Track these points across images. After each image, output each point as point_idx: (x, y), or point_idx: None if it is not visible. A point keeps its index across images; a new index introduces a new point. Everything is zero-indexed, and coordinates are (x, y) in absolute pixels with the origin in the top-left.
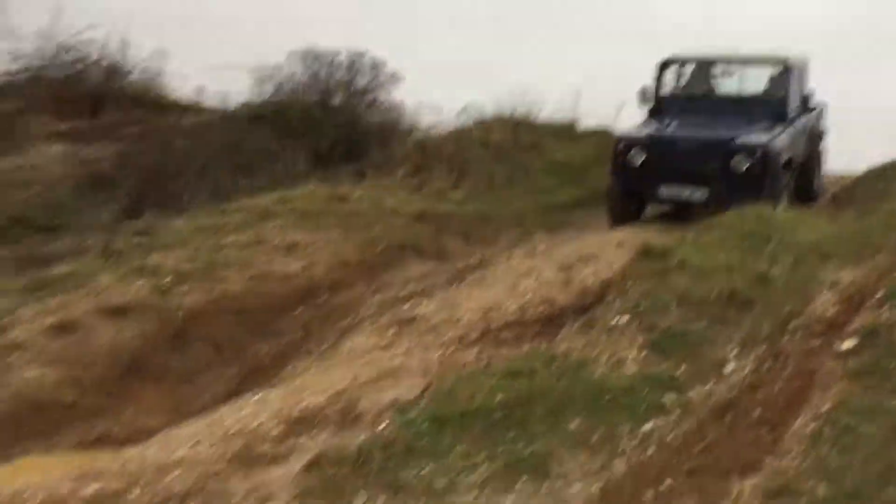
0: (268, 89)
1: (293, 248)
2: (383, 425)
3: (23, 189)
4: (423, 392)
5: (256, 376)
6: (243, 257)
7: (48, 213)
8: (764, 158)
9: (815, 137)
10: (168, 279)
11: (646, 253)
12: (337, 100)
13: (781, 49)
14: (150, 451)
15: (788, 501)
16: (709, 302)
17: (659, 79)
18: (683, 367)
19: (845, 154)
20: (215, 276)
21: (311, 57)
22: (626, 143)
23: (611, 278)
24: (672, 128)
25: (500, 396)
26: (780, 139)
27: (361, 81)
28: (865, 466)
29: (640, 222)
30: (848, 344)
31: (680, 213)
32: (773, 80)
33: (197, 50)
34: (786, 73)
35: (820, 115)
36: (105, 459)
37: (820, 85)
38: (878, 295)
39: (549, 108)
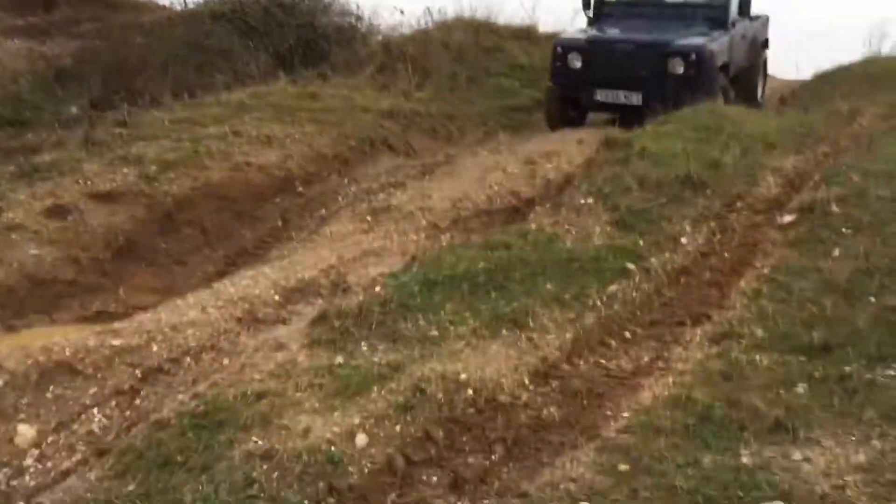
0: None
1: (270, 140)
2: (378, 287)
3: None
4: (411, 261)
5: (242, 259)
6: (223, 148)
7: (15, 108)
8: (699, 61)
9: (756, 45)
10: (153, 167)
11: (608, 144)
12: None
13: None
14: (162, 315)
15: (730, 342)
16: (666, 184)
17: None
18: (644, 239)
19: (795, 61)
20: (198, 164)
21: None
22: (564, 48)
23: (572, 172)
24: (610, 32)
25: (481, 264)
26: (717, 43)
27: None
28: (796, 314)
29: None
30: (788, 218)
31: (621, 121)
32: None
33: None
34: None
35: (763, 25)
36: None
37: None
38: (816, 178)
39: (509, 10)
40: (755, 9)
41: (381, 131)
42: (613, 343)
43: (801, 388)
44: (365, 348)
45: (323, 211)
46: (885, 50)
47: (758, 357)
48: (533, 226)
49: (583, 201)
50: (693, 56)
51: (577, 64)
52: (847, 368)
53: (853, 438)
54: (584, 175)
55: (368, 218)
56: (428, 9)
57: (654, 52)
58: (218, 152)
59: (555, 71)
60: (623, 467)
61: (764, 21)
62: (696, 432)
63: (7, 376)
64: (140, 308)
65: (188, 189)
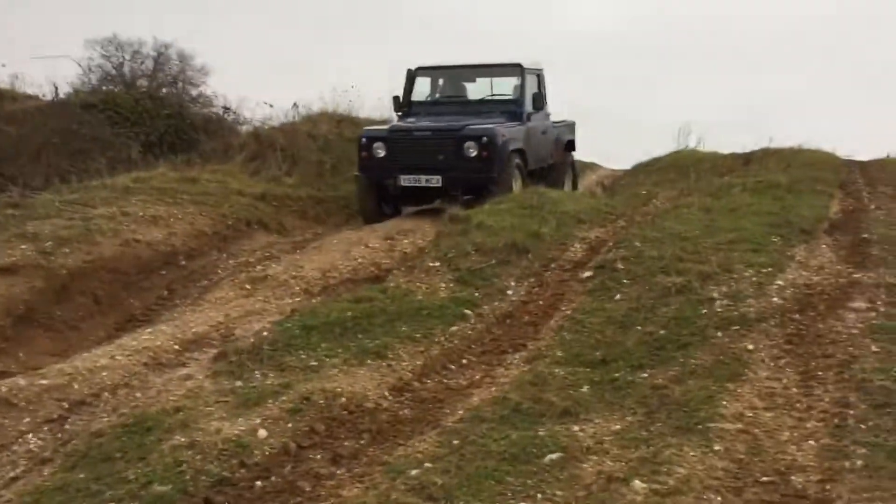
0: (89, 78)
1: (156, 219)
2: (266, 332)
3: None
4: (291, 313)
5: (131, 324)
6: (113, 226)
7: None
8: (490, 144)
9: (560, 145)
10: (49, 243)
11: (452, 219)
12: (145, 88)
13: (525, 57)
14: (77, 363)
15: (537, 362)
16: (497, 250)
17: (409, 86)
18: (479, 292)
19: (621, 153)
20: (91, 241)
21: (113, 45)
22: (369, 139)
23: (424, 246)
24: (410, 123)
25: (349, 313)
26: (509, 129)
27: (168, 72)
28: (586, 340)
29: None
30: (587, 273)
31: (433, 211)
32: (513, 86)
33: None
34: (521, 77)
35: (569, 128)
36: (41, 371)
37: (601, 95)
38: (610, 244)
39: (369, 105)
40: (565, 114)
41: (256, 212)
42: (453, 367)
43: (585, 388)
44: (259, 375)
45: (205, 281)
46: (691, 144)
47: (557, 370)
48: (391, 284)
49: (431, 264)
50: (484, 139)
51: (381, 153)
52: (617, 374)
53: (615, 417)
54: (433, 244)
55: (247, 286)
56: (295, 103)
57: (449, 137)
58: (108, 230)
59: (362, 161)
60: (455, 442)
61: (570, 125)
62: (509, 419)
63: None
64: (37, 369)
65: (81, 262)
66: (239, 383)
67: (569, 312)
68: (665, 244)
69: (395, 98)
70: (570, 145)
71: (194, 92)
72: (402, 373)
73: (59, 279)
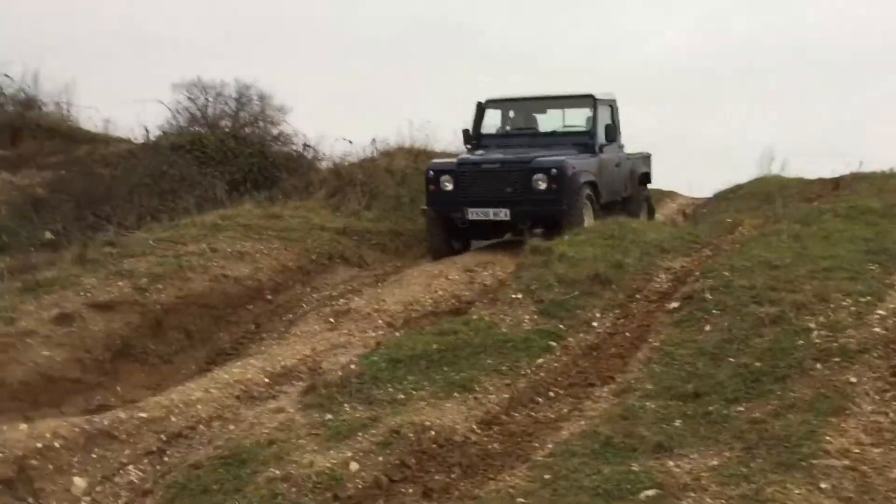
0: (176, 120)
1: (242, 255)
2: (353, 366)
3: None
4: (376, 346)
5: (220, 358)
6: (202, 262)
7: None
8: (560, 176)
9: (635, 177)
10: (144, 280)
11: (534, 250)
12: (229, 129)
13: (597, 88)
14: (173, 396)
15: (628, 394)
16: (580, 281)
17: (478, 118)
18: (563, 324)
19: (700, 181)
20: (182, 277)
21: (198, 88)
22: (436, 172)
23: (505, 278)
24: (479, 155)
25: (434, 346)
26: (579, 162)
27: (250, 112)
28: (676, 373)
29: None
30: (674, 304)
31: (511, 243)
32: (585, 117)
33: (103, 82)
34: (593, 108)
35: (644, 160)
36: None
37: (678, 123)
38: (697, 273)
39: (446, 140)
40: (640, 146)
41: (338, 246)
42: (541, 400)
43: (678, 422)
44: (348, 408)
45: (290, 315)
46: (774, 170)
47: (648, 403)
48: (475, 316)
49: (514, 296)
50: (553, 171)
51: (449, 186)
52: (711, 408)
53: (711, 452)
54: (514, 276)
55: (332, 319)
56: (374, 139)
57: (517, 169)
58: (198, 266)
59: (429, 194)
60: (547, 477)
61: (645, 157)
62: (600, 454)
63: (62, 440)
64: (134, 401)
65: (174, 298)
66: (329, 416)
67: (657, 344)
68: (755, 273)
69: (465, 131)
70: (646, 178)
71: (275, 131)
72: (490, 406)
73: (154, 314)
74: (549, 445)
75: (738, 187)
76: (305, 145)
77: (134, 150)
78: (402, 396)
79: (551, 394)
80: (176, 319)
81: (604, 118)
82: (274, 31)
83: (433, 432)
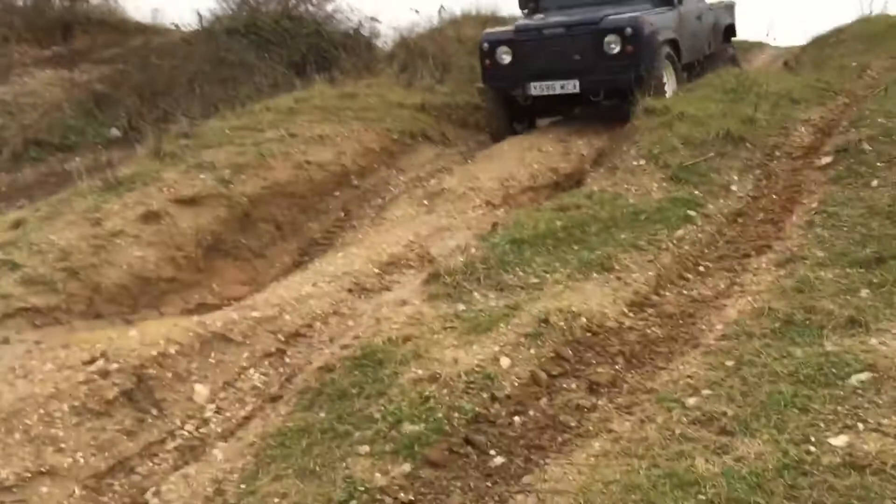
0: (227, 3)
1: (323, 139)
2: (474, 249)
3: (30, 113)
4: (493, 227)
5: (313, 249)
6: (283, 149)
7: (61, 133)
8: (636, 35)
9: (718, 31)
10: (227, 171)
11: (648, 110)
12: (282, 9)
13: None
14: (282, 292)
15: (794, 264)
16: (709, 142)
17: None
18: (699, 190)
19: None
20: (265, 166)
21: None
22: (491, 43)
23: (602, 146)
24: (539, 20)
25: (558, 223)
26: (657, 16)
27: None
28: (848, 236)
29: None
30: (825, 160)
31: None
32: None
33: None
34: None
35: (727, 10)
36: (250, 302)
37: None
38: (844, 124)
39: (512, 3)
40: None
41: (419, 124)
42: (690, 276)
43: (864, 293)
44: (479, 297)
45: (379, 200)
46: (876, 10)
47: (822, 273)
48: (595, 188)
49: (635, 163)
50: (628, 30)
51: (507, 59)
52: None
53: None
54: (630, 141)
55: (425, 202)
56: (442, 7)
57: (586, 32)
58: (280, 153)
59: (485, 69)
60: (729, 363)
61: (729, 6)
62: (783, 333)
63: (177, 346)
64: (234, 299)
65: (260, 189)
66: (462, 307)
67: (815, 205)
68: None
69: None
70: (730, 30)
71: (329, 7)
72: (636, 286)
73: (241, 207)
74: (718, 327)
75: (839, 31)
76: (373, 18)
77: (188, 38)
78: (536, 280)
79: (701, 268)
80: (264, 211)
81: None
82: None
83: (584, 319)
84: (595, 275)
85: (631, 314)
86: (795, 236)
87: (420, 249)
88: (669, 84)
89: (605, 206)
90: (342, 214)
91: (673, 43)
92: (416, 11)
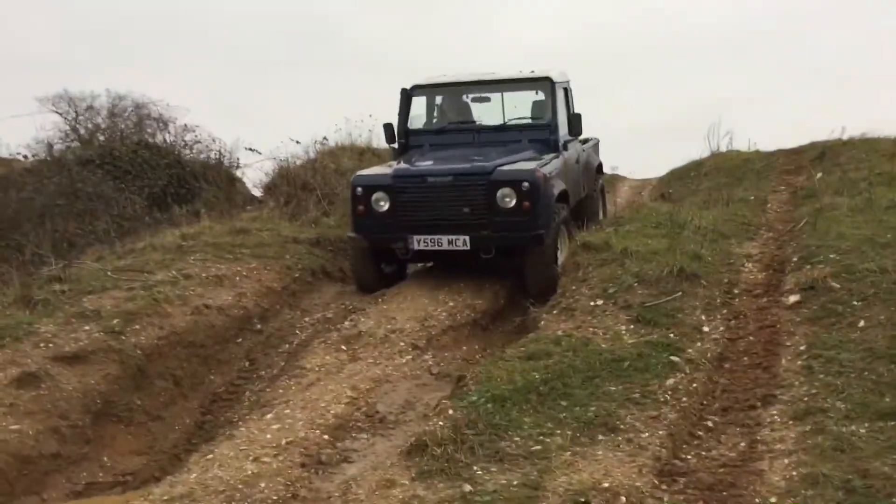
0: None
1: (220, 280)
2: (451, 411)
3: None
4: (458, 382)
5: (217, 406)
6: (178, 293)
7: None
8: (533, 191)
9: (591, 171)
10: (116, 321)
11: (586, 246)
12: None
13: (540, 68)
14: (220, 472)
15: (817, 416)
16: (663, 279)
17: (404, 110)
18: (671, 333)
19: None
20: (161, 312)
21: (65, 101)
22: (365, 188)
23: (513, 282)
24: (421, 164)
25: (536, 375)
26: (549, 168)
27: (124, 124)
28: (860, 384)
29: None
30: (792, 298)
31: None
32: (538, 104)
33: None
34: (550, 92)
35: (595, 148)
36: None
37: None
38: (794, 260)
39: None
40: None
41: (318, 260)
42: (701, 433)
43: None
44: (480, 472)
45: (286, 346)
46: (724, 146)
47: (853, 428)
48: (559, 332)
49: (593, 304)
50: (525, 185)
51: (384, 206)
52: None
53: None
54: (579, 279)
55: (344, 347)
56: (325, 137)
57: (475, 183)
58: (175, 298)
59: (357, 217)
60: None
61: (595, 144)
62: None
63: None
64: (128, 474)
65: (156, 340)
66: (468, 488)
67: (803, 348)
68: (868, 253)
69: (388, 126)
70: (600, 169)
71: (188, 137)
72: (653, 449)
73: (135, 362)
74: (772, 500)
75: (698, 164)
76: (249, 148)
77: (33, 169)
78: (538, 447)
79: (709, 423)
80: (160, 365)
81: (563, 106)
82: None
83: (623, 498)
84: (601, 437)
85: (664, 486)
86: (798, 384)
87: (367, 407)
88: (562, 243)
89: (579, 353)
90: (247, 364)
91: (563, 195)
92: (297, 142)
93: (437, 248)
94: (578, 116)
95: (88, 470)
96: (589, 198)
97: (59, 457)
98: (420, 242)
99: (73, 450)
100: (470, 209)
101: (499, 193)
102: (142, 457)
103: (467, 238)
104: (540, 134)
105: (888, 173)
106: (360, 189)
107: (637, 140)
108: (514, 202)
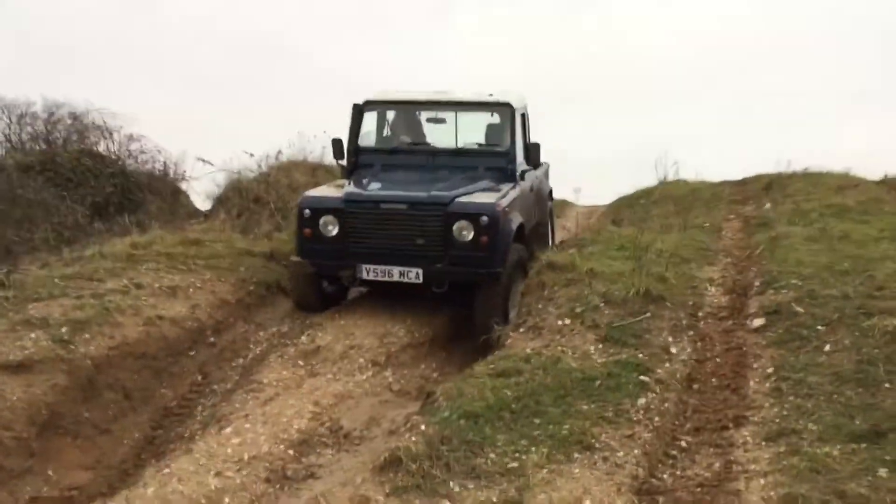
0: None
1: (174, 290)
2: (424, 426)
3: None
4: (427, 398)
5: (168, 420)
6: (130, 303)
7: None
8: (492, 226)
9: (543, 198)
10: (65, 329)
11: (551, 266)
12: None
13: (499, 92)
14: (181, 487)
15: (790, 438)
16: (630, 300)
17: (355, 126)
18: (640, 353)
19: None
20: (112, 322)
21: None
22: (314, 210)
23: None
24: (373, 187)
25: (507, 392)
26: (507, 200)
27: (64, 132)
28: (829, 406)
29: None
30: (757, 322)
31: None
32: (494, 128)
33: None
34: (509, 118)
35: (546, 174)
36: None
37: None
38: (757, 284)
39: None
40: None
41: (272, 274)
42: (675, 453)
43: (882, 472)
44: (457, 488)
45: (240, 360)
46: (671, 175)
47: (827, 449)
48: (528, 350)
49: (560, 323)
50: (484, 219)
51: (332, 231)
52: None
53: None
54: (544, 298)
55: (301, 362)
56: (280, 150)
57: (431, 214)
58: (127, 307)
59: (303, 240)
60: None
61: (546, 170)
62: None
63: None
64: (74, 488)
65: (107, 350)
66: (446, 503)
67: (770, 371)
68: (828, 280)
69: (337, 142)
70: (550, 195)
71: (133, 146)
72: (629, 468)
73: (84, 372)
74: None
75: (646, 193)
76: (202, 160)
77: None
78: (514, 464)
79: (682, 443)
80: (110, 376)
81: (520, 133)
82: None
83: None
84: (577, 455)
85: None
86: (767, 405)
87: (330, 422)
88: (517, 278)
89: (549, 371)
90: (200, 378)
91: (520, 228)
92: (251, 154)
93: (387, 278)
94: (537, 146)
95: (32, 484)
96: (539, 224)
97: (1, 469)
98: (369, 272)
99: (17, 462)
100: (424, 240)
101: (456, 226)
102: (89, 471)
103: (420, 271)
104: (497, 162)
105: (838, 205)
106: (307, 211)
107: (584, 168)
108: (471, 236)
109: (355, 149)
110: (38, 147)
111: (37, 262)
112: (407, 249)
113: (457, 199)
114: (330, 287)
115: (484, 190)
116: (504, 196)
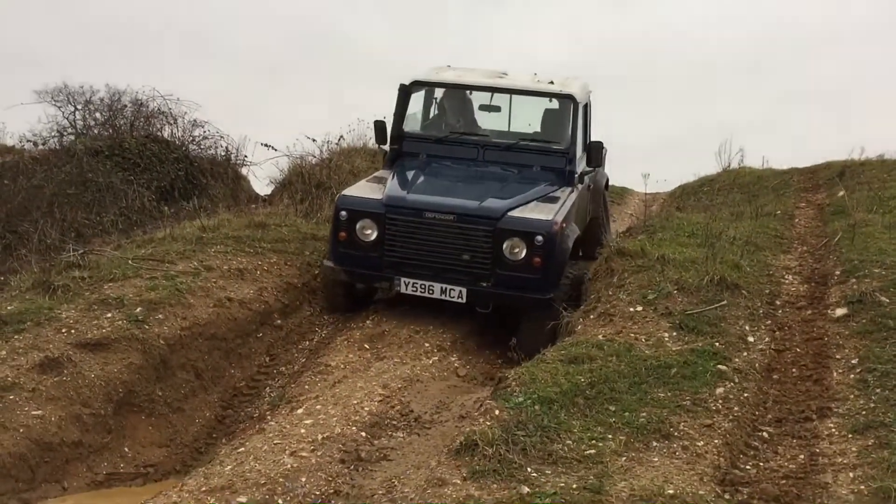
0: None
1: (242, 273)
2: (498, 411)
3: None
4: (499, 384)
5: (237, 401)
6: (201, 284)
7: None
8: (547, 246)
9: (599, 192)
10: (139, 309)
11: (621, 252)
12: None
13: (560, 80)
14: (258, 465)
15: (880, 432)
16: (704, 288)
17: (400, 109)
18: (717, 342)
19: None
20: (184, 303)
21: (63, 95)
22: (351, 213)
23: None
24: (418, 188)
25: (580, 378)
26: (566, 211)
27: (127, 118)
28: None
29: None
30: (839, 311)
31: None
32: (552, 117)
33: None
34: (570, 112)
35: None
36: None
37: None
38: (837, 273)
39: None
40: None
41: None
42: (757, 444)
43: None
44: (535, 473)
45: (307, 343)
46: (734, 163)
47: None
48: (600, 337)
49: (632, 310)
50: (539, 238)
51: (370, 237)
52: None
53: None
54: (614, 285)
55: (367, 345)
56: (342, 136)
57: (480, 228)
58: (198, 289)
59: (337, 244)
60: None
61: (603, 156)
62: None
63: None
64: (149, 466)
65: (179, 330)
66: (525, 489)
67: (854, 362)
68: None
69: (380, 125)
70: (606, 184)
71: (197, 132)
72: (710, 458)
73: (158, 352)
74: None
75: (709, 181)
76: (265, 144)
77: (40, 158)
78: (591, 451)
79: (764, 434)
80: (182, 356)
81: (582, 127)
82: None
83: None
84: (655, 443)
85: (727, 495)
86: (853, 397)
87: (400, 406)
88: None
89: (622, 358)
90: (267, 359)
91: (575, 244)
92: (313, 140)
93: (428, 294)
94: (599, 145)
95: (109, 460)
96: (594, 218)
97: (80, 445)
98: (409, 286)
99: (95, 438)
100: (470, 256)
101: (506, 244)
102: (163, 449)
103: (464, 290)
104: (555, 162)
105: None
106: (343, 213)
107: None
108: (523, 255)
109: (399, 134)
110: (105, 133)
111: (109, 244)
112: (451, 264)
113: (509, 214)
114: (361, 288)
115: (539, 199)
116: (561, 208)
